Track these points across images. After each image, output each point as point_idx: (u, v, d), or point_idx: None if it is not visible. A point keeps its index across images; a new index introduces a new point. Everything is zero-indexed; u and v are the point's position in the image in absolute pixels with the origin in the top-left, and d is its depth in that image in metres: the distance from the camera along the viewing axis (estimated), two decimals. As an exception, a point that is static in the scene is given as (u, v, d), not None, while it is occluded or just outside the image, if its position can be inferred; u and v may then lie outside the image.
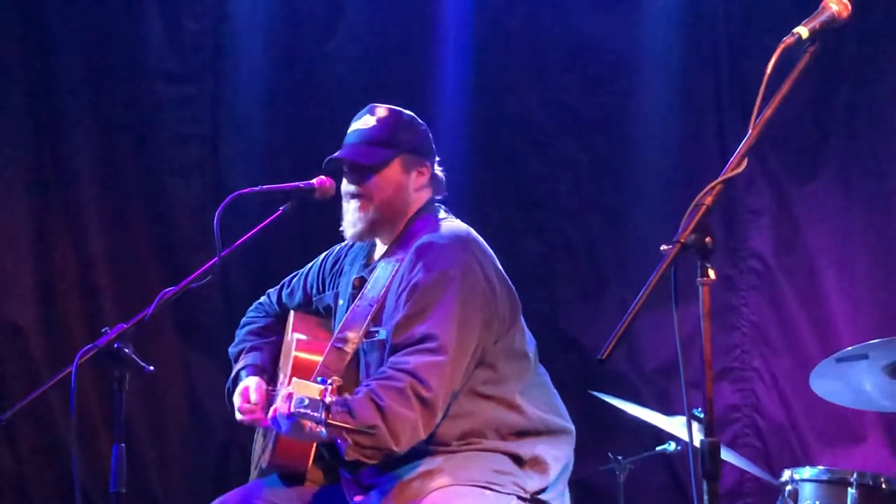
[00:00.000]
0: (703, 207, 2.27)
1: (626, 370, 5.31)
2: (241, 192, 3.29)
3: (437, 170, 3.44)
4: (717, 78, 5.38)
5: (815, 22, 2.47)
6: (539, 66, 5.52)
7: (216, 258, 3.14)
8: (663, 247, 2.25)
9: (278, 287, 3.74)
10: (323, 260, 3.64)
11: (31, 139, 5.16)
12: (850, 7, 2.51)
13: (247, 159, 5.39)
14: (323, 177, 3.42)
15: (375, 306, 3.26)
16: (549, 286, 5.43)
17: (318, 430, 2.86)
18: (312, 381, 2.94)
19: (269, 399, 3.41)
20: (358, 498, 3.21)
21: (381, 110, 3.39)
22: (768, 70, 2.36)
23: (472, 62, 5.48)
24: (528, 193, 5.51)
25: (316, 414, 2.82)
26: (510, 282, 3.33)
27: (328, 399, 2.83)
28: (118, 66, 5.29)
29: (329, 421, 2.83)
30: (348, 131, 3.41)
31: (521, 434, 3.24)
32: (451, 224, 3.37)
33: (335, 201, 3.44)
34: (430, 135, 3.45)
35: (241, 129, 5.42)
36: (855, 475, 3.83)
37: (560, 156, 5.49)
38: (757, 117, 2.36)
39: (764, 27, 5.23)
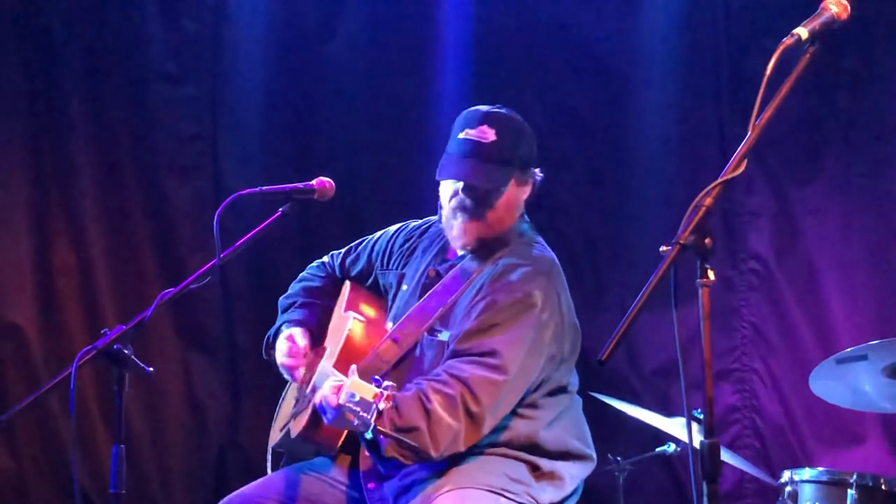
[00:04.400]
0: (703, 209, 2.26)
1: (625, 371, 5.31)
2: (240, 193, 3.29)
3: (538, 174, 3.37)
4: (716, 79, 5.38)
5: (815, 23, 2.47)
6: (538, 66, 5.52)
7: (216, 259, 3.14)
8: (663, 248, 2.25)
9: (343, 251, 3.71)
10: (395, 234, 3.60)
11: (30, 140, 5.15)
12: (849, 8, 2.51)
13: (246, 160, 5.39)
14: (322, 178, 3.41)
15: (443, 308, 3.23)
16: (549, 287, 5.42)
17: (362, 429, 2.85)
18: (358, 364, 2.94)
19: (311, 366, 3.41)
20: (371, 485, 3.22)
21: (499, 119, 3.26)
22: (768, 71, 2.36)
23: (471, 63, 5.48)
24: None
25: (366, 415, 2.80)
26: (577, 320, 3.32)
27: (381, 405, 2.81)
28: (118, 67, 5.28)
29: (378, 428, 2.83)
30: (460, 136, 3.27)
31: (544, 454, 3.24)
32: (540, 250, 3.34)
33: (335, 202, 3.43)
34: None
35: (240, 129, 5.41)
36: (854, 476, 3.83)
37: (559, 156, 5.49)
38: (757, 118, 2.36)
39: (764, 28, 5.22)
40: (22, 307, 5.08)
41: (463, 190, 3.25)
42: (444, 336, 3.21)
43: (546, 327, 3.15)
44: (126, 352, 2.96)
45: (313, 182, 3.40)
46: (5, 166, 5.11)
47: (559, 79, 5.51)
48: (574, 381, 3.37)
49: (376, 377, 2.89)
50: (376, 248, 3.61)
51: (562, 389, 3.30)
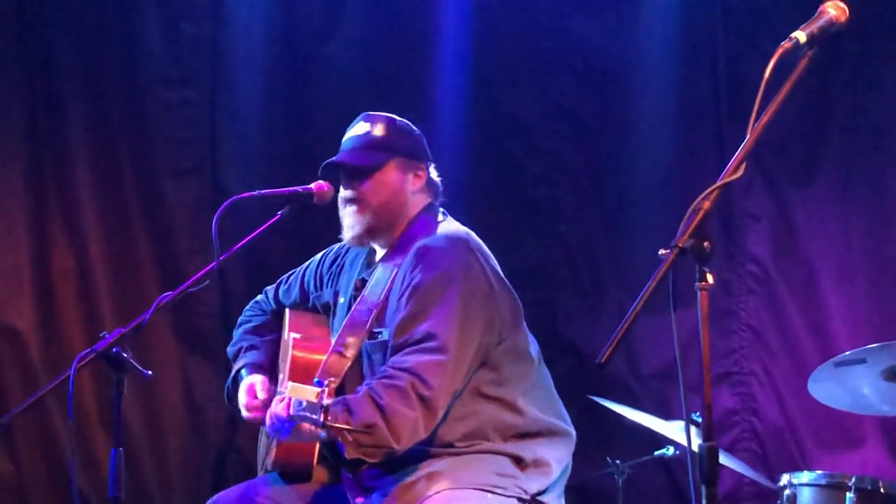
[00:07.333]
0: (702, 212, 2.26)
1: (624, 374, 5.30)
2: (239, 196, 3.30)
3: (434, 174, 3.46)
4: (715, 82, 5.38)
5: (814, 26, 2.47)
6: (537, 69, 5.53)
7: (214, 262, 3.15)
8: (661, 251, 2.25)
9: (275, 284, 3.76)
10: (321, 258, 3.66)
11: (30, 142, 5.15)
12: (847, 12, 2.51)
13: (245, 163, 5.39)
14: (321, 181, 3.42)
15: (376, 310, 3.28)
16: (548, 290, 5.43)
17: (317, 432, 2.87)
18: (309, 384, 2.95)
19: (272, 399, 3.42)
20: (359, 500, 3.23)
21: (374, 117, 3.42)
22: (766, 74, 2.36)
23: (471, 66, 5.48)
24: (527, 197, 5.51)
25: (314, 416, 2.82)
26: (510, 284, 3.34)
27: (325, 401, 2.83)
28: (116, 71, 5.28)
29: (327, 423, 2.83)
30: (343, 139, 3.43)
31: (523, 435, 3.25)
32: (450, 226, 3.39)
33: (333, 206, 3.44)
34: (425, 140, 3.46)
35: (239, 132, 5.42)
36: (853, 479, 3.83)
37: (558, 159, 5.50)
38: (755, 122, 2.35)
39: (762, 32, 5.23)
40: (21, 310, 5.07)
41: (342, 181, 3.37)
42: (385, 335, 3.24)
43: (473, 295, 3.18)
44: (125, 355, 2.97)
45: (312, 185, 3.42)
46: (4, 169, 5.11)
47: (558, 80, 5.52)
48: (534, 348, 3.38)
49: (318, 379, 2.94)
50: (307, 275, 3.66)
51: (522, 355, 3.32)
